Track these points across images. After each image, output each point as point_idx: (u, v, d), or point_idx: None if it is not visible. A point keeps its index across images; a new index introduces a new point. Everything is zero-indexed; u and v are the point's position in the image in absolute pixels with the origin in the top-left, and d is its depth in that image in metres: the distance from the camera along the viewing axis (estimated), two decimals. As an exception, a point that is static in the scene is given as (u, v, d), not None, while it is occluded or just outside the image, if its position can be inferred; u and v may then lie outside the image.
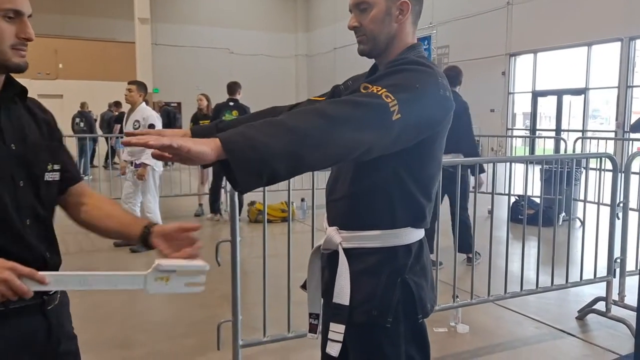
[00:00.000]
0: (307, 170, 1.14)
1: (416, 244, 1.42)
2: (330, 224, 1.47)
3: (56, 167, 1.30)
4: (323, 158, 1.10)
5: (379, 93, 1.17)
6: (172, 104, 18.25)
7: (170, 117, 12.42)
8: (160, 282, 1.09)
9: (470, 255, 4.02)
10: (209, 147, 0.98)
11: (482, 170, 4.50)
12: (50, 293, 1.29)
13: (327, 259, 1.49)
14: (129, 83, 5.40)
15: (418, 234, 1.43)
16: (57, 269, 1.30)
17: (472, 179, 4.54)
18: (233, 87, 6.65)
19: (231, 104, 6.60)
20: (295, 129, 1.05)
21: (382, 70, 1.38)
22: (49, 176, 1.28)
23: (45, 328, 1.29)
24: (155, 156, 1.03)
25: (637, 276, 2.99)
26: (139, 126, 5.19)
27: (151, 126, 5.16)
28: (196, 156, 0.97)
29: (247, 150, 1.00)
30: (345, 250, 1.41)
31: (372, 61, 1.51)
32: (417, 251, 1.42)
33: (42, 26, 16.90)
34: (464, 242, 4.21)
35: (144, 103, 5.39)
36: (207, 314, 3.71)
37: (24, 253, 1.19)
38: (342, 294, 1.38)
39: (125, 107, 5.94)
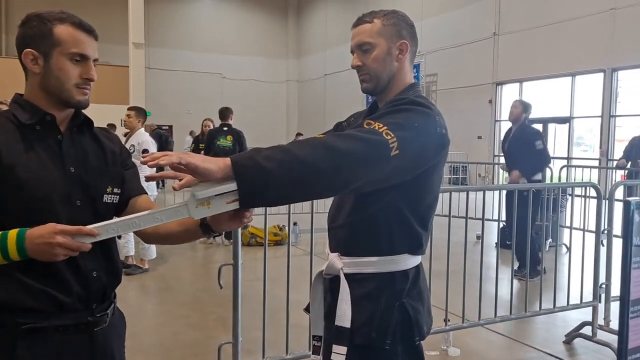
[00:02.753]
0: (307, 199, 1.24)
1: (413, 269, 1.50)
2: (332, 250, 1.55)
3: (116, 190, 1.39)
4: (324, 188, 1.20)
5: (380, 130, 1.27)
6: (164, 127, 18.34)
7: (163, 140, 12.49)
8: (202, 207, 1.11)
9: (539, 268, 4.42)
10: (216, 165, 1.09)
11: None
12: (98, 315, 1.32)
13: (329, 284, 1.56)
14: (129, 109, 5.47)
15: (415, 260, 1.51)
16: (104, 289, 1.34)
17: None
18: (225, 113, 6.80)
19: (225, 128, 6.75)
20: (301, 159, 1.15)
21: (383, 108, 1.48)
22: (107, 198, 1.37)
23: (88, 350, 1.31)
24: (172, 168, 1.12)
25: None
26: (134, 150, 5.26)
27: (145, 151, 5.23)
28: (203, 172, 1.08)
29: (255, 174, 1.10)
30: (347, 275, 1.48)
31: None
32: (414, 276, 1.50)
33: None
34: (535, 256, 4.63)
35: (142, 129, 5.47)
36: (202, 335, 3.74)
37: (70, 268, 1.26)
38: (344, 317, 1.46)
39: (120, 130, 6.00)
